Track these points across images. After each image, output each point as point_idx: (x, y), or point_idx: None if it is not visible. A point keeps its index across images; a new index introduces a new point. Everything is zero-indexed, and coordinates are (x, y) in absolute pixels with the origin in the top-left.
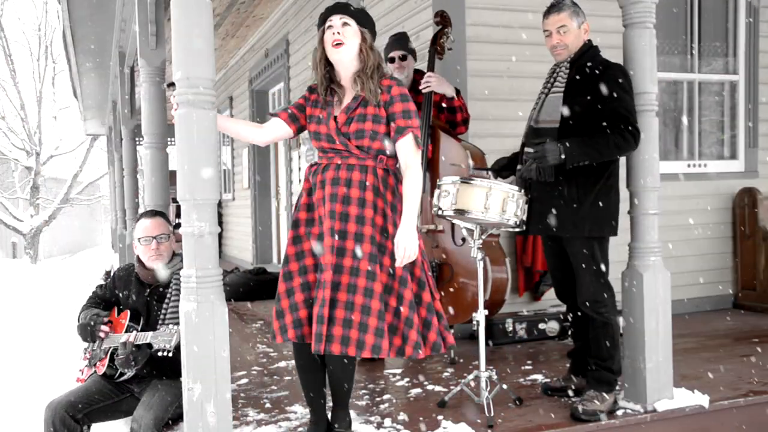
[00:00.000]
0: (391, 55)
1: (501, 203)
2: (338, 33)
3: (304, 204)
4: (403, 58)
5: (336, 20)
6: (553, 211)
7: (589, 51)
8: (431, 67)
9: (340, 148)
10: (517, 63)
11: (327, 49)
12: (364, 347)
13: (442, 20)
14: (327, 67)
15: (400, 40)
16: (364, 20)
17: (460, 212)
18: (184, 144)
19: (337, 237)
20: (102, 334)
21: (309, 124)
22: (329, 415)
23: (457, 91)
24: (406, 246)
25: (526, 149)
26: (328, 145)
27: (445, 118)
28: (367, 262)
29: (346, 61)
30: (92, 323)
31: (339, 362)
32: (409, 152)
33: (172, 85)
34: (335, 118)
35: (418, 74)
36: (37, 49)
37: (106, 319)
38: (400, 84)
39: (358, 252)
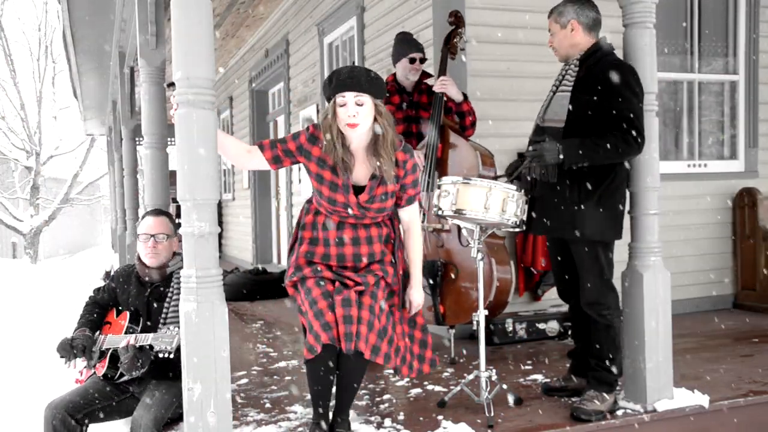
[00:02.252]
0: (413, 56)
1: (501, 203)
2: (354, 116)
3: (304, 252)
4: (422, 61)
5: (350, 98)
6: (555, 212)
7: (600, 50)
8: (443, 67)
9: (356, 214)
10: (517, 63)
11: (341, 126)
12: (378, 353)
13: (456, 20)
14: (339, 135)
15: (417, 42)
16: (378, 92)
17: (460, 212)
18: (184, 144)
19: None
20: (71, 365)
21: (319, 185)
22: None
23: (465, 96)
24: (420, 302)
25: (526, 150)
26: (343, 210)
27: (452, 120)
28: (384, 292)
29: (360, 136)
30: (74, 351)
31: (354, 364)
32: (414, 215)
33: (172, 85)
34: (355, 192)
35: (423, 74)
36: (37, 49)
37: (84, 359)
38: (412, 155)
39: (381, 283)
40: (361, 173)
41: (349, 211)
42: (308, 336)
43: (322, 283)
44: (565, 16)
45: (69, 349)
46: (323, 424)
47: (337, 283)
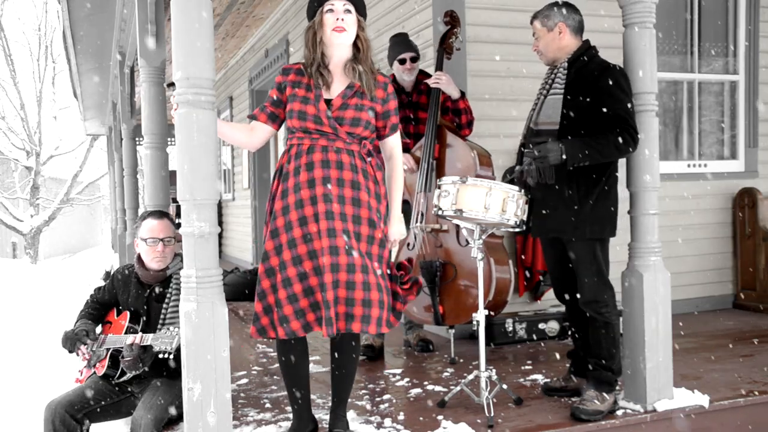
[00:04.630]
0: (403, 56)
1: (501, 203)
2: (341, 19)
3: (281, 192)
4: (413, 60)
5: (338, 5)
6: (553, 213)
7: (587, 52)
8: (439, 67)
9: (327, 131)
10: (517, 63)
11: (326, 33)
12: (381, 324)
13: (451, 20)
14: (322, 48)
15: (409, 42)
16: (363, 10)
17: (461, 212)
18: (184, 144)
19: (333, 219)
20: (81, 353)
21: (291, 103)
22: (324, 417)
23: (462, 93)
24: (397, 237)
25: (526, 150)
26: (313, 126)
27: (449, 120)
28: (366, 243)
29: (345, 46)
30: (77, 336)
31: (349, 351)
32: (397, 145)
33: (172, 85)
34: (327, 101)
35: (422, 74)
36: (37, 49)
37: (89, 341)
38: (391, 81)
39: (356, 234)
40: (336, 90)
41: (321, 125)
42: (262, 318)
43: (299, 261)
44: (552, 19)
45: (72, 338)
46: (304, 427)
47: (312, 263)
